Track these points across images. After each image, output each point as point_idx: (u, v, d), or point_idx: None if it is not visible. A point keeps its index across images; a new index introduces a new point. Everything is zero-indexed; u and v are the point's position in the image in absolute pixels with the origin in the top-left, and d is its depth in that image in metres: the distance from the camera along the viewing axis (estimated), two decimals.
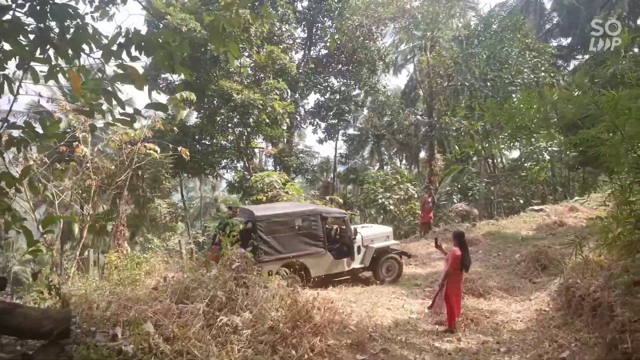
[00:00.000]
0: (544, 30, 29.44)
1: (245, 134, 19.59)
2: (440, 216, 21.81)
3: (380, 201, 16.64)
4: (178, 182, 22.40)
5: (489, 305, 7.69)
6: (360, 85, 24.96)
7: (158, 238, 17.09)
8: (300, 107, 25.70)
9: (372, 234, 9.84)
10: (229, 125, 18.97)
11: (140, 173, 15.78)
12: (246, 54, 18.49)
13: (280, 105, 18.46)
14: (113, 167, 15.43)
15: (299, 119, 25.88)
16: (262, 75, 20.17)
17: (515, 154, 30.95)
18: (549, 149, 23.99)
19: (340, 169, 32.09)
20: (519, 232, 13.00)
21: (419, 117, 26.54)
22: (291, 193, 15.55)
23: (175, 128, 17.33)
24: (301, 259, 8.53)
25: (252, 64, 18.92)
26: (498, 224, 14.15)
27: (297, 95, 24.39)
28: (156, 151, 13.42)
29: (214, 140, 20.58)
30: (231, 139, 20.64)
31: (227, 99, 17.03)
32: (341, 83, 25.57)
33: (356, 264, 9.34)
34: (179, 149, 13.51)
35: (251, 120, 17.69)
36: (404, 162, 36.70)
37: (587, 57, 29.01)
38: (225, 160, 22.30)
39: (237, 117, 17.27)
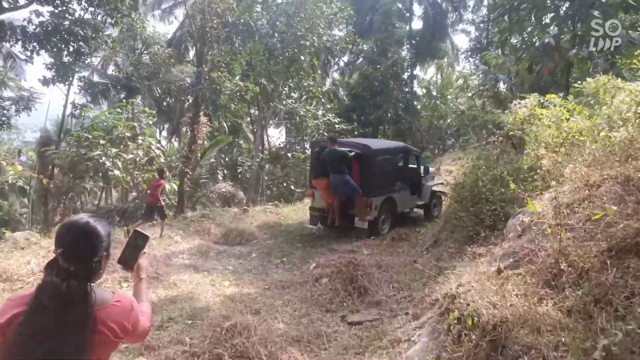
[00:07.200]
0: None
1: None
2: (197, 197, 16.81)
3: (100, 160, 9.80)
4: None
5: None
6: (112, 15, 17.15)
7: None
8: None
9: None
10: None
11: None
12: None
13: None
14: None
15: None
16: None
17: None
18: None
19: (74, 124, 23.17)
20: (306, 225, 9.11)
21: (187, 69, 20.67)
22: None
23: None
24: (393, 194, 8.54)
25: None
26: (277, 212, 10.06)
27: None
28: None
29: None
30: None
31: None
32: (84, 8, 17.30)
33: (420, 201, 9.39)
34: None
35: None
36: (164, 133, 29.84)
37: (366, 46, 28.97)
38: None
39: None
